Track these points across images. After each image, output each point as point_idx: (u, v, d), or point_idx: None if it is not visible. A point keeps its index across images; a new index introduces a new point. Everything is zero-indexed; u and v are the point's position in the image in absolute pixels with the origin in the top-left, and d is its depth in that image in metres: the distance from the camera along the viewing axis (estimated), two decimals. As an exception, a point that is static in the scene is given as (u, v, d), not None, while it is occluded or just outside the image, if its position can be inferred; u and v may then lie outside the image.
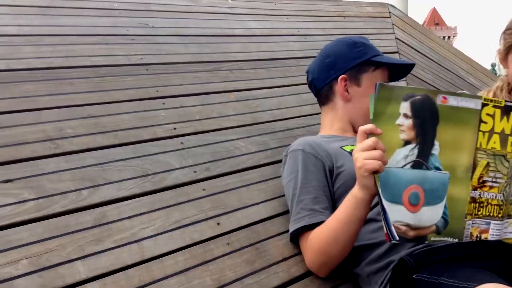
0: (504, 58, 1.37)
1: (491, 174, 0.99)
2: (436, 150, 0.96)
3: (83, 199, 1.07)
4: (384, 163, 0.93)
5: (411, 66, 1.40)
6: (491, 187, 1.00)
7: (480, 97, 0.98)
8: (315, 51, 2.20)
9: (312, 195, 1.19)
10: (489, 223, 1.00)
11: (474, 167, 0.98)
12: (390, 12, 2.95)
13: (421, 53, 2.79)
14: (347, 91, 1.35)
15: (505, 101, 0.99)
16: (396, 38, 2.69)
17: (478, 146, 0.98)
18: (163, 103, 1.48)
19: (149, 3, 1.98)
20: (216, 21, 2.06)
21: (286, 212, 1.30)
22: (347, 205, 1.04)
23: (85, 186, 1.10)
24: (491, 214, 1.00)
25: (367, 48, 1.33)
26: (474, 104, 0.97)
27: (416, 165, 0.96)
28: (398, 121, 0.95)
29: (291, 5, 2.54)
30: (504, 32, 1.37)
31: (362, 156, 0.93)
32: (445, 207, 0.97)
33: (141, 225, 1.08)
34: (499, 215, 1.00)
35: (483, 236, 1.01)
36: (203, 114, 1.52)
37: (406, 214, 0.93)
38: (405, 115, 0.95)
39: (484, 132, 0.98)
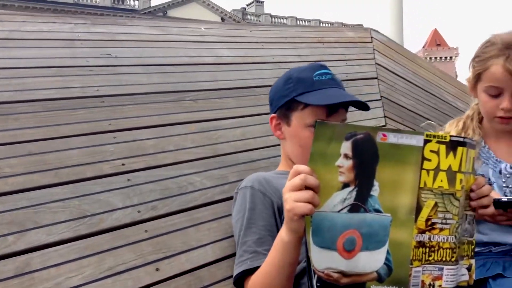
0: (473, 87, 1.31)
1: (440, 215, 0.92)
2: (375, 191, 0.89)
3: (8, 245, 1.00)
4: (315, 204, 0.85)
5: (358, 101, 1.27)
6: (441, 229, 0.92)
7: (421, 133, 0.91)
8: (289, 78, 2.16)
9: (256, 236, 1.12)
10: (442, 269, 0.92)
11: (420, 208, 0.91)
12: (372, 37, 2.91)
13: (403, 78, 2.74)
14: (281, 130, 1.28)
15: (451, 136, 0.92)
16: (376, 63, 2.64)
17: (422, 185, 0.91)
18: (114, 137, 1.42)
19: (116, 32, 1.95)
20: (185, 50, 2.02)
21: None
22: (276, 249, 0.97)
23: (12, 231, 1.03)
24: (444, 259, 0.92)
25: (297, 84, 1.23)
26: (416, 141, 0.91)
27: (353, 208, 0.88)
28: (337, 162, 0.88)
29: (268, 32, 2.52)
30: (473, 60, 1.31)
31: (292, 197, 0.86)
32: (388, 252, 0.89)
33: (69, 274, 1.00)
34: (453, 259, 0.92)
35: (437, 284, 0.92)
36: (158, 147, 1.46)
37: (339, 260, 0.86)
38: (346, 156, 0.88)
39: (428, 171, 0.91)
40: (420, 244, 0.90)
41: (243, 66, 2.13)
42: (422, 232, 0.91)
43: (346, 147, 0.87)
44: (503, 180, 1.26)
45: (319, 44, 2.63)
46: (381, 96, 2.37)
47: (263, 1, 42.69)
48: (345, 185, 0.88)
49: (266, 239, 1.11)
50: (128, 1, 34.32)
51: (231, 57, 2.14)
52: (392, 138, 0.90)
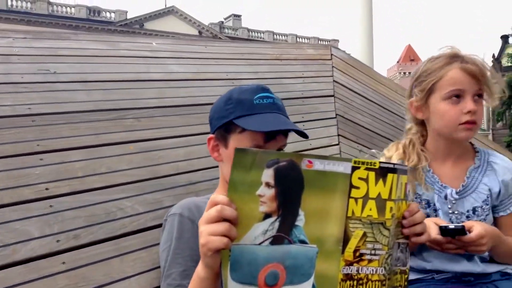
0: (423, 105, 1.25)
1: (369, 245, 0.87)
2: (300, 221, 0.84)
3: None
4: (232, 238, 0.79)
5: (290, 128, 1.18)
6: (370, 261, 0.87)
7: (349, 160, 0.87)
8: (241, 96, 2.11)
9: (182, 268, 1.05)
10: None
11: (347, 239, 0.85)
12: (332, 54, 2.90)
13: (361, 95, 2.73)
14: (218, 151, 1.22)
15: (380, 162, 0.87)
16: (334, 80, 2.62)
17: (350, 214, 0.86)
18: (41, 159, 1.33)
19: (58, 47, 1.86)
20: (132, 65, 1.95)
21: (164, 286, 1.14)
22: (193, 285, 0.90)
23: None
24: None
25: (236, 106, 1.17)
26: (343, 168, 0.86)
27: (276, 240, 0.83)
28: (258, 192, 0.82)
29: (223, 48, 2.46)
30: (416, 79, 1.27)
31: (206, 230, 0.80)
32: (313, 286, 0.84)
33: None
34: None
35: None
36: (88, 170, 1.38)
37: None
38: (267, 184, 0.82)
39: (357, 199, 0.86)
40: (348, 277, 0.85)
41: (194, 82, 2.06)
42: (349, 264, 0.85)
43: (267, 175, 0.82)
44: (449, 206, 1.22)
45: (277, 61, 2.60)
46: (336, 114, 2.34)
47: (241, 15, 43.03)
48: (267, 215, 0.82)
49: (191, 271, 1.04)
50: (104, 13, 33.98)
51: (182, 73, 2.08)
52: (319, 165, 0.85)
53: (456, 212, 1.22)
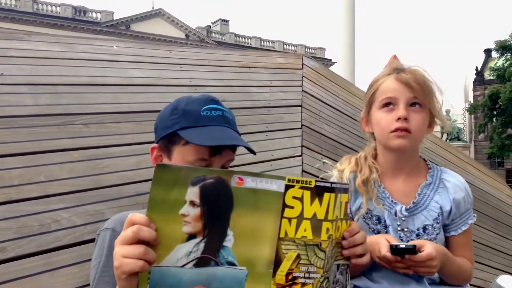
0: (368, 118, 1.23)
1: (303, 268, 0.82)
2: (229, 241, 0.78)
3: None
4: (150, 260, 0.73)
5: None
6: (303, 284, 0.82)
7: (283, 178, 0.81)
8: (203, 103, 2.05)
9: (109, 287, 0.98)
10: None
11: (279, 261, 0.80)
12: (303, 64, 2.87)
13: (330, 106, 2.70)
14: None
15: (316, 181, 0.83)
16: (303, 90, 2.59)
17: (283, 235, 0.81)
18: (-27, 166, 1.26)
19: (8, 48, 1.79)
20: (87, 69, 1.88)
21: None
22: None
23: None
24: None
25: (182, 117, 1.10)
26: (276, 186, 0.81)
27: (201, 262, 0.77)
28: (182, 211, 0.76)
29: (189, 54, 2.41)
30: (364, 96, 1.25)
31: (121, 252, 0.74)
32: None
33: None
34: None
35: None
36: (25, 178, 1.30)
37: None
38: (192, 203, 0.77)
39: (290, 219, 0.81)
40: None
41: (154, 88, 2.00)
42: (281, 287, 0.80)
43: (192, 193, 0.76)
44: (398, 223, 1.18)
45: (245, 68, 2.56)
46: (302, 125, 2.30)
47: (229, 21, 43.01)
48: (191, 236, 0.77)
49: None
50: (90, 13, 33.59)
51: (141, 78, 2.01)
52: (250, 183, 0.80)
53: (405, 229, 1.18)
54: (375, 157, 1.28)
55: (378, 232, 1.20)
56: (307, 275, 0.82)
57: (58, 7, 32.46)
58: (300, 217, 0.82)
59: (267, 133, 2.12)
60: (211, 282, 0.77)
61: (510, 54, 27.61)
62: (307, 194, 0.82)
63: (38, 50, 1.84)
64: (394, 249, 1.07)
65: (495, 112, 28.07)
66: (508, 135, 27.08)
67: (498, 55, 29.09)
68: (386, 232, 1.20)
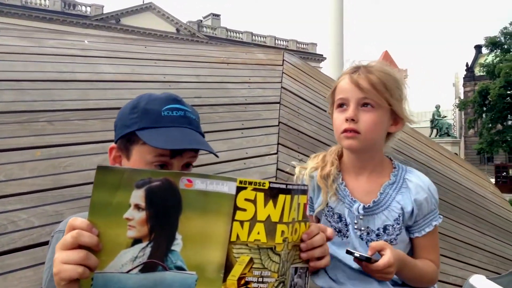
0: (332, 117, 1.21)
1: (256, 272, 0.79)
2: (177, 245, 0.76)
3: None
4: (91, 266, 0.70)
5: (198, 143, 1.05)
6: None
7: (234, 179, 0.78)
8: (177, 100, 2.01)
9: (59, 294, 0.94)
10: None
11: (231, 265, 0.77)
12: (284, 60, 2.83)
13: (310, 102, 2.66)
14: (120, 163, 1.11)
15: (270, 182, 0.80)
16: (282, 87, 2.55)
17: (234, 239, 0.78)
18: None
19: (-28, 41, 1.73)
20: (55, 64, 1.82)
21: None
22: None
23: None
24: None
25: (142, 116, 1.05)
26: (228, 188, 0.78)
27: (148, 267, 0.74)
28: (126, 215, 0.73)
29: (165, 49, 2.35)
30: None
31: (60, 258, 0.71)
32: None
33: None
34: None
35: None
36: (-19, 178, 1.25)
37: None
38: (137, 206, 0.74)
39: (242, 222, 0.78)
40: None
41: (125, 84, 1.95)
42: None
43: (137, 196, 0.73)
44: (355, 221, 1.15)
45: (223, 64, 2.51)
46: (279, 122, 2.27)
47: (220, 15, 42.75)
48: (137, 241, 0.74)
49: None
50: (79, 7, 33.19)
51: (113, 73, 1.96)
52: (200, 185, 0.77)
53: (363, 228, 1.15)
54: (341, 154, 1.26)
55: (340, 231, 1.18)
56: (260, 279, 0.80)
57: (47, 1, 32.06)
58: (253, 220, 0.79)
59: (242, 131, 2.08)
60: (159, 287, 0.74)
61: (499, 50, 27.80)
62: (260, 196, 0.79)
63: (3, 44, 1.79)
64: (349, 253, 1.05)
65: (484, 108, 28.28)
66: (497, 131, 27.32)
67: (488, 51, 29.27)
68: (347, 231, 1.17)
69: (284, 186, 0.82)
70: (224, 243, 0.77)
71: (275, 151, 2.05)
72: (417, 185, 1.15)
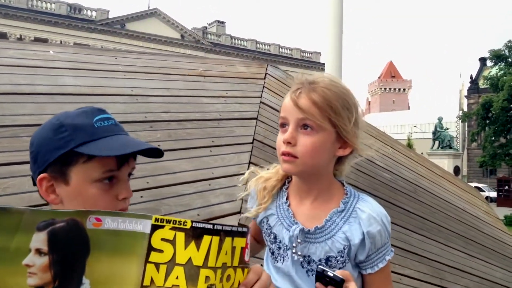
0: None
1: None
2: None
3: None
4: None
5: (155, 148, 1.05)
6: None
7: (149, 217, 0.69)
8: (143, 114, 1.92)
9: None
10: None
11: None
12: (266, 74, 2.73)
13: (290, 119, 2.56)
14: (55, 192, 1.01)
15: (192, 221, 0.70)
16: (262, 102, 2.45)
17: (148, 283, 0.68)
18: None
19: None
20: (11, 76, 1.74)
21: None
22: None
23: None
24: None
25: (75, 133, 0.97)
26: (142, 227, 0.69)
27: None
28: (25, 261, 0.64)
29: (137, 60, 2.26)
30: None
31: None
32: None
33: None
34: None
35: None
36: None
37: None
38: (39, 251, 0.64)
39: (158, 264, 0.68)
40: None
41: (87, 97, 1.86)
42: None
43: (38, 240, 0.64)
44: (294, 244, 1.03)
45: (200, 77, 2.42)
46: (253, 139, 2.16)
47: (225, 22, 42.87)
48: None
49: None
50: (85, 11, 33.35)
51: (76, 86, 1.87)
52: (110, 224, 0.68)
53: (303, 256, 1.02)
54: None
55: (273, 253, 1.06)
56: None
57: (53, 4, 32.26)
58: (171, 263, 0.69)
59: (211, 148, 1.98)
60: None
61: (503, 64, 27.66)
62: (180, 236, 0.69)
63: (-44, 54, 1.70)
64: (319, 273, 0.94)
65: (487, 121, 28.09)
66: (500, 144, 27.09)
67: (492, 64, 29.14)
68: (279, 255, 1.06)
69: (210, 226, 0.72)
70: (135, 287, 0.68)
71: (246, 171, 1.95)
72: (370, 216, 1.03)
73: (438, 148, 28.42)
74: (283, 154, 0.99)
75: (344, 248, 1.02)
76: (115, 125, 1.02)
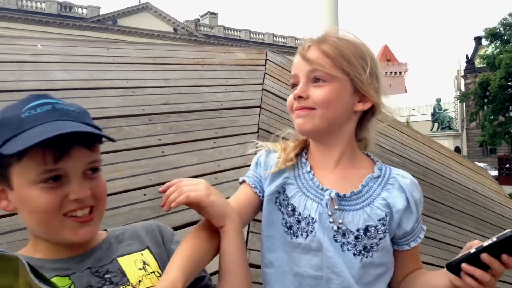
0: None
1: None
2: None
3: None
4: None
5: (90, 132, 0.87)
6: None
7: None
8: (141, 107, 1.80)
9: None
10: None
11: None
12: (266, 60, 2.61)
13: (294, 105, 2.45)
14: (7, 198, 0.87)
15: None
16: (264, 89, 2.33)
17: None
18: None
19: None
20: (1, 72, 1.61)
21: None
22: None
23: None
24: None
25: (2, 129, 0.82)
26: None
27: None
28: None
29: (131, 51, 2.14)
30: None
31: None
32: None
33: None
34: None
35: None
36: None
37: None
38: None
39: None
40: None
41: (80, 92, 1.74)
42: None
43: None
44: (329, 213, 0.88)
45: (198, 66, 2.30)
46: (258, 128, 2.05)
47: (217, 13, 42.44)
48: None
49: None
50: (76, 9, 32.93)
51: (67, 81, 1.76)
52: None
53: (339, 224, 0.88)
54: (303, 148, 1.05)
55: (290, 227, 0.91)
56: None
57: (43, 3, 31.87)
58: None
59: (215, 140, 1.87)
60: None
61: (499, 42, 27.47)
62: None
63: None
64: (452, 267, 0.82)
65: (486, 100, 27.97)
66: (500, 123, 27.00)
67: (488, 42, 28.94)
68: (299, 228, 0.91)
69: None
70: None
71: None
72: (412, 183, 0.93)
73: (437, 130, 28.34)
74: (296, 109, 0.90)
75: (386, 216, 0.90)
76: (52, 111, 0.83)
